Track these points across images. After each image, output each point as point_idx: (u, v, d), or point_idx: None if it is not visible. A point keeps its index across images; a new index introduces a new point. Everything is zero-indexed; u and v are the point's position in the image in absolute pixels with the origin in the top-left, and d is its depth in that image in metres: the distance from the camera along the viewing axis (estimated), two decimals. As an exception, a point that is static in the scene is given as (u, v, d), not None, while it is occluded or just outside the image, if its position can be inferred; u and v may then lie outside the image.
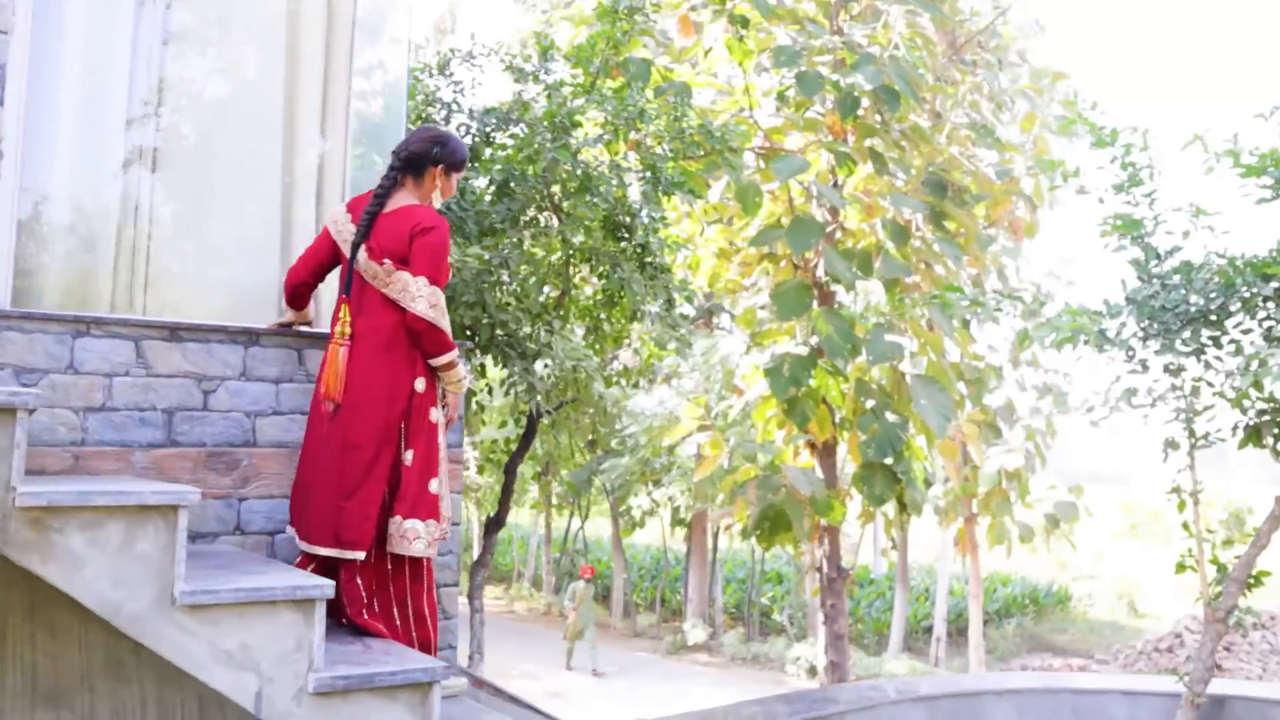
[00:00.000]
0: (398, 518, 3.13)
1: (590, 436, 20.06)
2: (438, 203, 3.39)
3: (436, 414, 3.22)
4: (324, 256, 3.39)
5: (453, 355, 3.20)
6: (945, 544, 20.17)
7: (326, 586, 2.45)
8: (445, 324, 3.17)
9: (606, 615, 22.51)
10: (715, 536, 21.75)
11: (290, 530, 3.27)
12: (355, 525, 3.07)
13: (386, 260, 3.15)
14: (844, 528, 18.25)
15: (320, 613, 2.44)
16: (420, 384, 3.16)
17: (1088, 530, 23.65)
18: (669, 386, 16.59)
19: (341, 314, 3.19)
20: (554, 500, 24.90)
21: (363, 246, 3.21)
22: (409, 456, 3.14)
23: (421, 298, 3.12)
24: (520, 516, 30.63)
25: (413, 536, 3.12)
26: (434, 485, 3.19)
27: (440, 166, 3.34)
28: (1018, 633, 22.75)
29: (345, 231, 3.30)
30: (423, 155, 3.32)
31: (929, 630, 20.88)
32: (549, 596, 25.59)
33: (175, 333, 3.38)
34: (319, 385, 3.22)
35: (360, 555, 3.09)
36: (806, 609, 20.15)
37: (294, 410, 3.56)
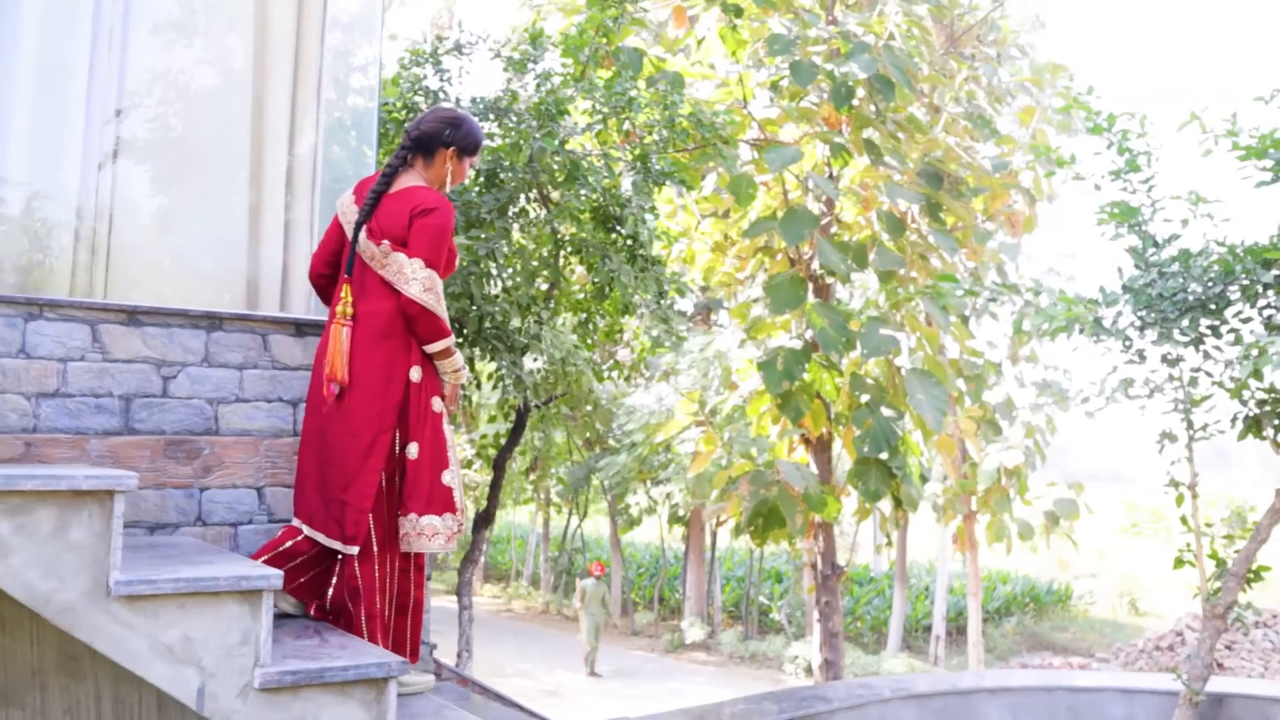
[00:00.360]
0: (413, 515, 3.03)
1: (588, 434, 19.96)
2: (449, 188, 3.28)
3: (439, 404, 3.11)
4: (335, 245, 3.27)
5: (448, 342, 3.08)
6: (944, 542, 20.05)
7: (274, 577, 2.33)
8: (441, 309, 3.05)
9: (605, 614, 22.39)
10: (714, 534, 21.64)
11: (296, 521, 3.17)
12: (354, 519, 2.99)
13: (385, 241, 3.05)
14: (842, 525, 18.15)
15: (268, 604, 2.32)
16: (416, 373, 3.05)
17: (1089, 528, 23.51)
18: (667, 384, 16.48)
19: (343, 294, 3.09)
20: (552, 498, 24.79)
21: (364, 227, 3.11)
22: (414, 450, 3.04)
23: (416, 280, 3.01)
24: (519, 515, 30.53)
25: (431, 533, 3.03)
26: (446, 477, 3.07)
27: (452, 149, 3.22)
28: (1018, 631, 22.63)
29: (350, 213, 3.21)
30: (434, 136, 3.20)
31: (929, 629, 20.76)
32: (547, 595, 25.49)
33: (134, 316, 3.26)
34: (317, 369, 3.12)
35: (355, 550, 3.00)
36: (805, 607, 20.02)
37: (258, 398, 3.45)
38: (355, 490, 2.99)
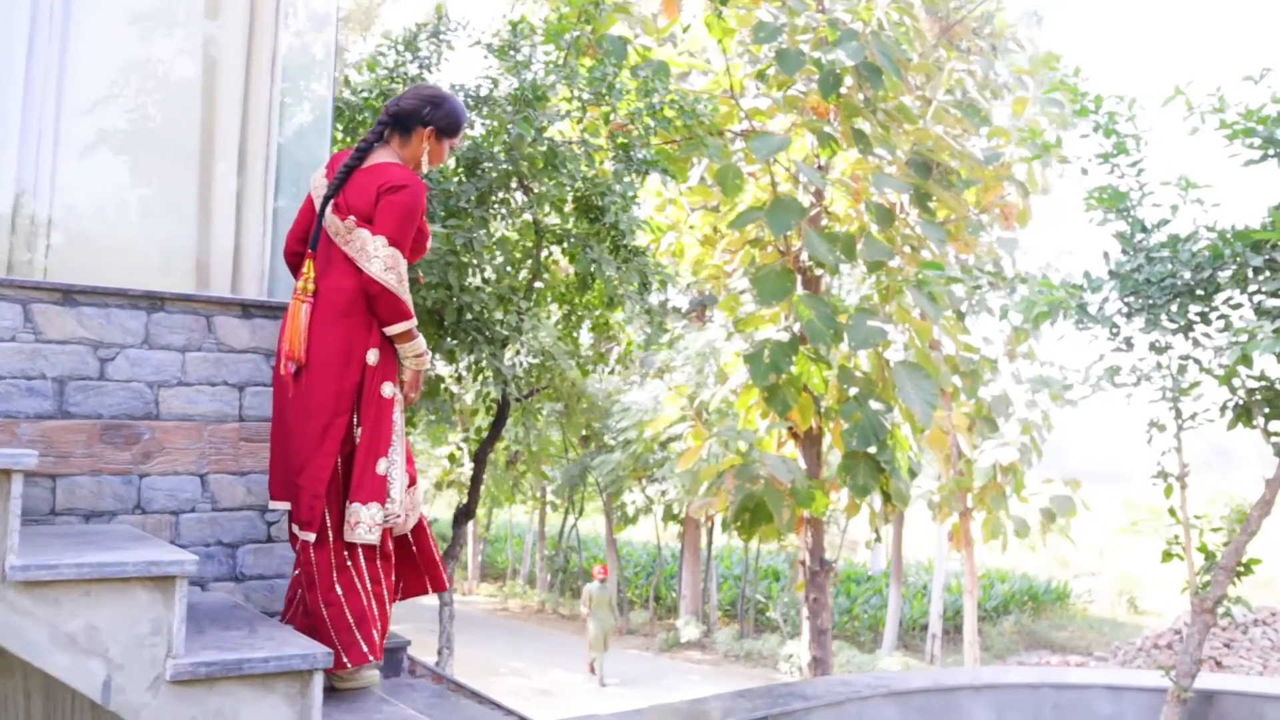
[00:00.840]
0: (349, 502, 2.91)
1: (584, 432, 19.80)
2: (425, 169, 3.15)
3: (390, 389, 2.98)
4: (308, 221, 3.16)
5: (409, 324, 2.97)
6: (941, 540, 19.90)
7: (187, 563, 2.19)
8: (403, 290, 2.93)
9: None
10: (710, 532, 21.48)
11: (273, 504, 3.07)
12: (308, 504, 2.88)
13: (350, 217, 2.94)
14: (839, 522, 18.00)
15: (181, 591, 2.19)
16: (373, 355, 2.93)
17: (1088, 527, 23.33)
18: (662, 381, 16.35)
19: (306, 269, 2.98)
20: (548, 496, 24.63)
21: (332, 202, 3.00)
22: (359, 434, 2.92)
23: (378, 259, 2.89)
24: (516, 513, 30.37)
25: (354, 521, 2.90)
26: (381, 466, 2.94)
27: (430, 129, 3.11)
28: (1015, 630, 22.47)
29: (321, 188, 3.10)
30: (412, 114, 3.09)
31: (926, 627, 20.62)
32: (543, 594, 25.36)
33: (69, 296, 3.14)
34: (280, 347, 3.00)
35: (311, 536, 2.89)
36: (800, 605, 19.87)
37: (202, 381, 3.32)
38: (309, 474, 2.89)
